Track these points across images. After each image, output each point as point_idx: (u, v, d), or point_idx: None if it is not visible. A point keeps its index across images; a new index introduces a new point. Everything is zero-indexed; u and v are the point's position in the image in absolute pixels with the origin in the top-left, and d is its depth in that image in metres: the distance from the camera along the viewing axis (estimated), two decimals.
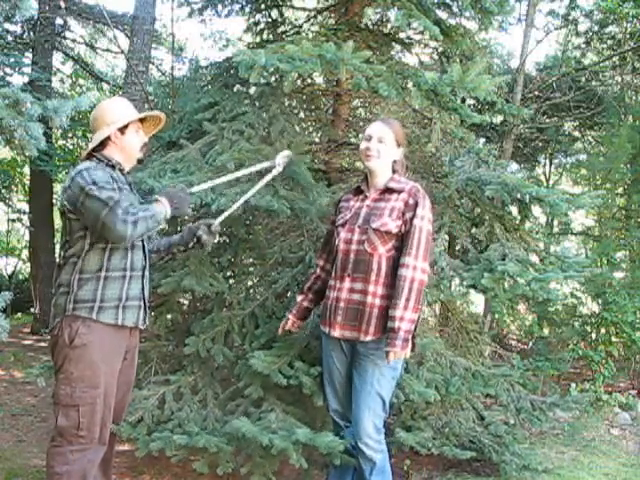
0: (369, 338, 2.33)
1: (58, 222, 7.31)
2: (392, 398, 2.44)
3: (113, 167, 2.30)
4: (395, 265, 2.34)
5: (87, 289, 2.15)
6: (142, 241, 2.32)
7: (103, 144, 2.31)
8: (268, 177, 2.62)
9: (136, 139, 2.35)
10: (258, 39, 4.32)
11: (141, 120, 2.41)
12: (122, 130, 2.31)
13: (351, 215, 2.47)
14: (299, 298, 2.67)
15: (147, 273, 2.35)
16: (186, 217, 2.63)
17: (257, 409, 2.82)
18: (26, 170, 8.74)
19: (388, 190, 2.44)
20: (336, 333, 2.40)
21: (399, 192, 2.41)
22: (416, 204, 2.36)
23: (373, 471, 2.37)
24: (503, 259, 3.05)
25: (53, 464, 2.15)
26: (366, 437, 2.34)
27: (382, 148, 2.44)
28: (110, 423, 2.26)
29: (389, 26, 4.09)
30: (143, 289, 2.31)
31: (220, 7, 4.30)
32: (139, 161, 2.41)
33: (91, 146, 2.31)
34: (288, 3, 4.43)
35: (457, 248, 3.84)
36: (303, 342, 2.89)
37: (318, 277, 2.64)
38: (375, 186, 2.49)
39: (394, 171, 2.50)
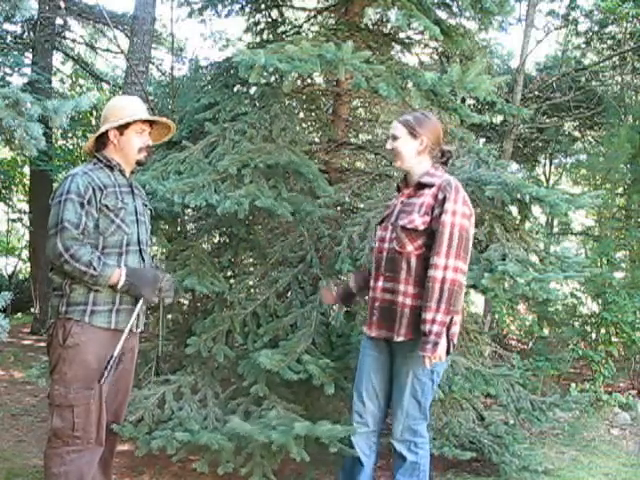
0: (401, 339, 2.29)
1: None
2: (431, 401, 2.43)
3: (112, 168, 2.26)
4: (427, 264, 2.26)
5: (79, 292, 2.13)
6: (139, 244, 2.27)
7: (105, 144, 2.28)
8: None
9: (135, 140, 2.27)
10: (258, 39, 4.32)
11: (151, 124, 2.36)
12: (122, 130, 2.25)
13: (387, 213, 2.47)
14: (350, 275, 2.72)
15: None
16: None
17: (258, 407, 2.83)
18: (26, 170, 8.74)
19: (420, 185, 2.38)
20: (373, 333, 2.39)
21: (430, 187, 2.34)
22: (444, 199, 2.25)
23: (400, 469, 2.39)
24: (503, 259, 3.05)
25: (50, 465, 2.14)
26: (397, 435, 2.38)
27: (396, 145, 2.39)
28: (105, 424, 2.21)
29: (389, 26, 4.08)
30: None
31: (220, 7, 4.29)
32: (140, 163, 2.35)
33: (87, 144, 2.30)
34: (288, 3, 4.43)
35: None
36: (308, 339, 2.90)
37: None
38: (411, 182, 2.45)
39: (444, 163, 2.44)
